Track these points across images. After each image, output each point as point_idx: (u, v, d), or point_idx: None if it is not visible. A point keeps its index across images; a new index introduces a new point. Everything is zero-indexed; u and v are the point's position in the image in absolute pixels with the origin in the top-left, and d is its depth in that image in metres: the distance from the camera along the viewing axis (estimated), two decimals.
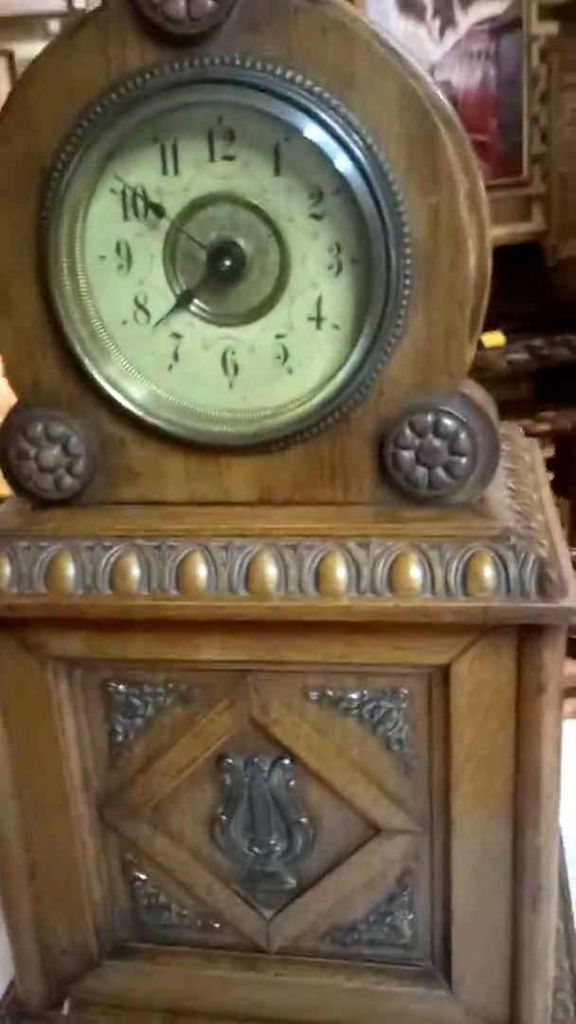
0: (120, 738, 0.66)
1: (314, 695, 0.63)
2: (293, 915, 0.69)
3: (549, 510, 0.65)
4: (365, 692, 0.62)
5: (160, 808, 0.68)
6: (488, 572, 0.56)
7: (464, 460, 0.58)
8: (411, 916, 0.68)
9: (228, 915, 0.70)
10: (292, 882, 0.68)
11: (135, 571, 0.59)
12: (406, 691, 0.62)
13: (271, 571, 0.58)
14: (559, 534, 0.62)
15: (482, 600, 0.55)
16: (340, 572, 0.57)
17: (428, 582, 0.56)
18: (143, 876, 0.71)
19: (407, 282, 0.55)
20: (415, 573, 0.57)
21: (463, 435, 0.58)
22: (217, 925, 0.71)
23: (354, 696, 0.62)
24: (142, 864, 0.70)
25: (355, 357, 0.57)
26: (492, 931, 0.65)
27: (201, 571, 0.58)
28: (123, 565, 0.59)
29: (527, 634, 0.57)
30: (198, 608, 0.58)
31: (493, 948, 0.66)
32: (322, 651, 0.61)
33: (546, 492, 0.70)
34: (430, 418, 0.58)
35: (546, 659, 0.57)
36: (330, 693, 0.63)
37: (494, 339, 2.44)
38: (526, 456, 0.74)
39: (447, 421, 0.58)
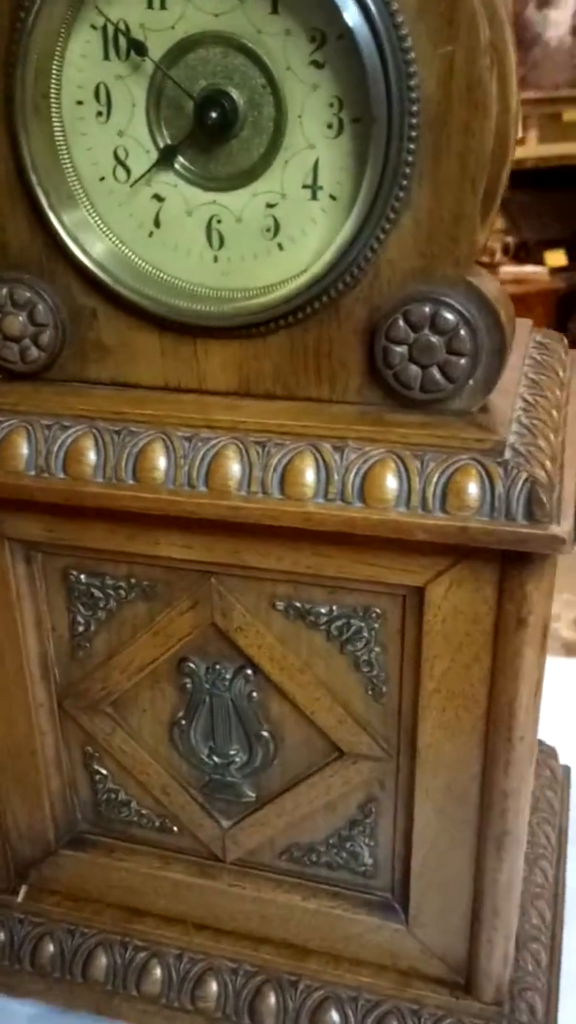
0: (81, 629, 0.63)
1: (280, 605, 0.58)
2: (250, 828, 0.66)
3: (571, 432, 0.58)
4: (335, 608, 0.57)
5: (120, 704, 0.65)
6: (472, 488, 0.49)
7: (463, 361, 0.51)
8: (372, 844, 0.65)
9: (185, 820, 0.68)
10: (251, 795, 0.65)
11: (91, 456, 0.55)
12: (378, 611, 0.57)
13: (234, 468, 0.53)
14: (572, 463, 0.55)
15: (461, 519, 0.49)
16: (308, 475, 0.52)
17: (404, 494, 0.50)
18: (103, 771, 0.68)
19: (411, 146, 0.48)
20: (391, 483, 0.51)
21: (463, 332, 0.51)
22: (175, 828, 0.69)
23: (323, 611, 0.58)
24: (102, 758, 0.68)
25: (347, 230, 0.50)
26: (454, 872, 0.61)
27: (160, 462, 0.54)
28: (79, 448, 0.55)
29: (511, 563, 0.51)
30: (153, 501, 0.53)
31: (454, 889, 0.62)
32: (289, 560, 0.56)
33: (572, 413, 0.62)
34: (428, 309, 0.51)
35: (529, 591, 0.51)
36: (298, 605, 0.58)
37: (556, 258, 2.28)
38: (560, 370, 0.66)
39: (447, 314, 0.50)
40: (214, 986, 0.69)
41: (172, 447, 0.54)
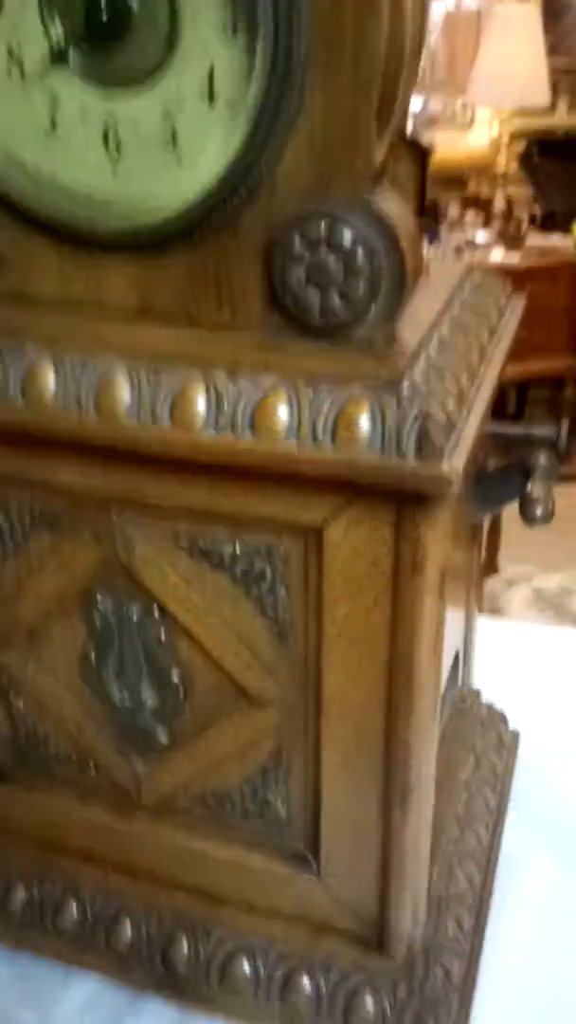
0: None
1: (184, 543, 0.56)
2: (164, 772, 0.65)
3: (485, 385, 0.54)
4: (238, 548, 0.55)
5: (32, 637, 0.64)
6: (364, 422, 0.46)
7: (361, 284, 0.48)
8: (285, 794, 0.63)
9: (101, 759, 0.67)
10: (164, 739, 0.64)
11: None
12: (282, 552, 0.54)
13: (124, 393, 0.50)
14: (482, 408, 0.51)
15: (349, 453, 0.46)
16: (199, 404, 0.49)
17: (295, 426, 0.47)
18: (20, 704, 0.67)
19: (301, 48, 0.44)
20: (282, 414, 0.48)
21: (360, 251, 0.47)
22: (92, 767, 0.68)
23: (227, 551, 0.55)
24: (18, 691, 0.67)
25: (238, 138, 0.47)
26: (362, 826, 0.59)
27: (50, 382, 0.51)
28: None
29: (406, 504, 0.48)
30: (38, 424, 0.51)
31: (362, 843, 0.60)
32: (186, 495, 0.53)
33: (497, 358, 0.59)
34: (323, 226, 0.47)
35: (422, 534, 0.48)
36: (201, 544, 0.55)
37: None
38: (493, 314, 0.62)
39: (344, 231, 0.47)
40: (128, 929, 0.68)
41: (64, 368, 0.51)
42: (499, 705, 0.92)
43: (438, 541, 0.49)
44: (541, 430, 0.67)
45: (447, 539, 0.49)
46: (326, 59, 0.44)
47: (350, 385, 0.47)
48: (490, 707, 0.92)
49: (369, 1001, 0.62)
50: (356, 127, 0.45)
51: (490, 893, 0.74)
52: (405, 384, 0.47)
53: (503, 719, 0.91)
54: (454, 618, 0.75)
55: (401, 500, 0.48)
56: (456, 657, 0.81)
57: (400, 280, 0.48)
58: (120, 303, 0.54)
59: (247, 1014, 0.64)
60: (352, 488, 0.49)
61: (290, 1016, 0.63)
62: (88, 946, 0.68)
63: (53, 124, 0.52)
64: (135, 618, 0.60)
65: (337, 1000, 0.63)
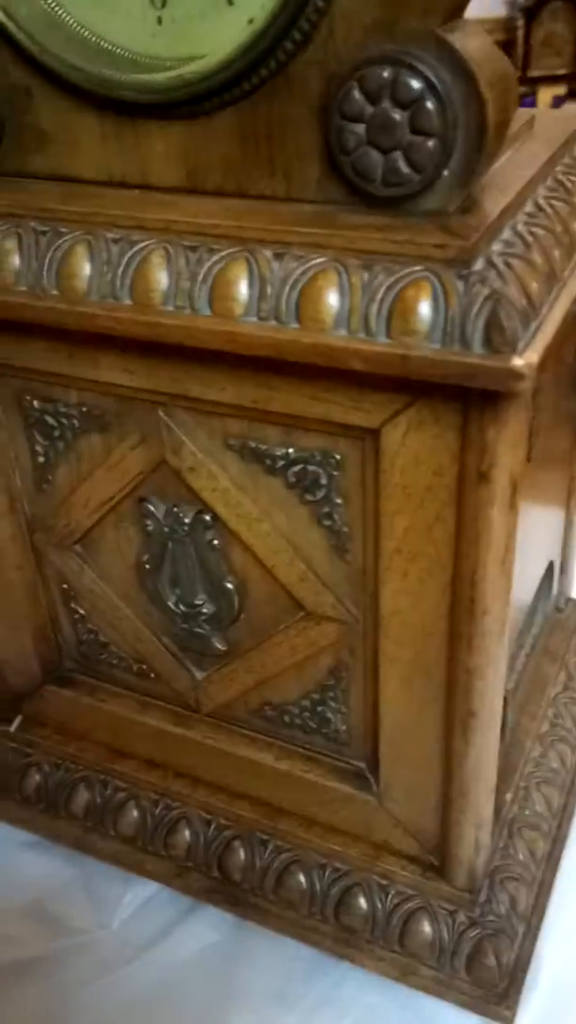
0: (41, 460, 0.59)
1: (235, 444, 0.51)
2: (222, 681, 0.62)
3: None
4: (291, 451, 0.50)
5: (88, 544, 0.61)
6: (424, 308, 0.40)
7: (431, 143, 0.41)
8: (344, 712, 0.59)
9: (159, 667, 0.64)
10: (221, 647, 0.61)
11: (15, 260, 0.48)
12: (337, 457, 0.49)
13: (161, 277, 0.45)
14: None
15: (405, 346, 0.40)
16: (242, 288, 0.43)
17: (345, 314, 0.41)
18: (80, 610, 0.65)
19: None
20: (331, 300, 0.42)
21: (430, 103, 0.40)
22: (152, 675, 0.66)
23: (279, 453, 0.50)
24: (78, 598, 0.65)
25: None
26: (422, 749, 0.55)
27: (85, 269, 0.46)
28: (1, 251, 0.48)
29: (473, 404, 0.42)
30: (70, 315, 0.47)
31: (423, 767, 0.56)
32: (233, 391, 0.48)
33: None
34: (387, 74, 0.40)
35: (489, 440, 0.42)
36: (252, 445, 0.51)
37: None
38: None
39: (410, 80, 0.40)
40: (187, 834, 0.67)
41: (101, 251, 0.46)
42: None
43: (511, 447, 0.42)
44: None
45: (520, 445, 0.43)
46: None
47: (412, 265, 0.41)
48: None
49: (426, 925, 0.60)
50: None
51: (570, 820, 0.70)
52: (478, 261, 0.40)
53: None
54: (547, 524, 0.69)
55: (468, 400, 0.42)
56: (550, 567, 0.75)
57: (480, 136, 0.40)
58: (166, 178, 0.48)
59: (300, 928, 0.63)
60: (413, 387, 0.43)
61: (344, 935, 0.62)
62: (147, 851, 0.67)
63: None
64: (187, 524, 0.56)
65: (393, 921, 0.60)
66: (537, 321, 0.41)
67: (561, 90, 2.95)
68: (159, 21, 0.46)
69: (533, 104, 2.87)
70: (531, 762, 0.70)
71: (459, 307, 0.39)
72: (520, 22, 2.89)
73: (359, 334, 0.41)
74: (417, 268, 0.40)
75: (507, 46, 2.99)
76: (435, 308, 0.40)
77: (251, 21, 0.42)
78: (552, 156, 0.51)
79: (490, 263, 0.41)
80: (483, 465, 0.43)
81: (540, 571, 0.71)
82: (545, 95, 2.94)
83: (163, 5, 0.45)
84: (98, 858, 0.69)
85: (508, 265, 0.41)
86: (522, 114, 0.56)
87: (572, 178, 0.51)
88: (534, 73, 2.95)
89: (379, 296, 0.41)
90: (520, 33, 2.91)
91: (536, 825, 0.66)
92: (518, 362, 0.38)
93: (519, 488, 0.44)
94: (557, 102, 2.92)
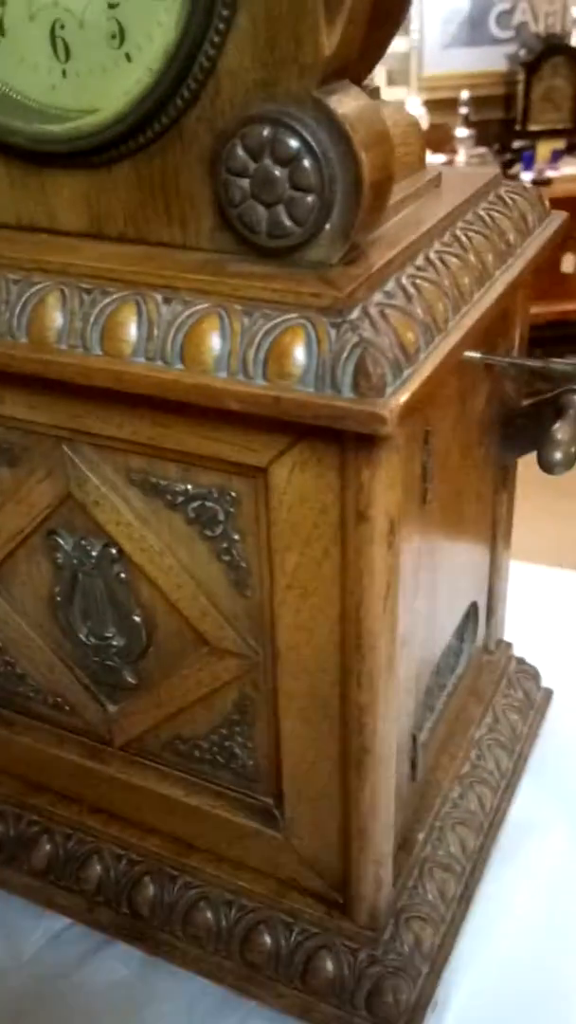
0: None
1: (137, 479, 0.53)
2: (134, 714, 0.63)
3: (475, 312, 0.48)
4: (190, 487, 0.51)
5: (1, 576, 0.62)
6: (298, 353, 0.42)
7: (310, 199, 0.43)
8: (251, 747, 0.60)
9: (73, 700, 0.65)
10: (132, 681, 0.61)
11: None
12: (233, 494, 0.50)
13: (56, 317, 0.47)
14: (460, 339, 0.45)
15: (278, 388, 0.42)
16: (131, 329, 0.45)
17: (226, 356, 0.43)
18: None
19: None
20: (213, 343, 0.43)
21: (307, 162, 0.42)
22: (67, 708, 0.66)
23: (179, 489, 0.52)
24: None
25: (174, 28, 0.42)
26: (323, 786, 0.56)
27: None
28: None
29: (350, 447, 0.43)
30: None
31: (324, 804, 0.57)
32: (130, 428, 0.50)
33: (504, 282, 0.52)
34: (267, 132, 0.42)
35: (365, 480, 0.43)
36: (153, 480, 0.52)
37: None
38: (510, 233, 0.56)
39: (288, 139, 0.42)
40: (98, 869, 0.67)
41: None
42: (535, 660, 0.87)
43: (387, 488, 0.44)
44: (561, 364, 0.60)
45: (397, 486, 0.44)
46: None
47: (290, 312, 0.42)
48: (521, 662, 0.87)
49: (328, 963, 0.60)
50: (302, 13, 0.40)
51: (485, 861, 0.70)
52: (354, 311, 0.42)
53: (535, 676, 0.86)
54: (467, 565, 0.70)
55: (344, 442, 0.43)
56: (474, 608, 0.76)
57: (357, 193, 0.42)
58: (71, 223, 0.50)
59: (206, 965, 0.63)
60: (296, 428, 0.44)
61: (248, 972, 0.62)
62: (58, 885, 0.67)
63: (1, 29, 0.48)
64: (95, 557, 0.57)
65: (296, 959, 0.61)
66: (410, 369, 0.42)
67: (560, 144, 3.04)
68: (63, 74, 0.48)
69: (532, 158, 2.93)
70: (449, 802, 0.71)
71: (330, 353, 0.41)
72: (521, 76, 2.99)
73: (238, 376, 0.43)
74: (293, 315, 0.42)
75: (507, 100, 3.09)
76: (309, 353, 0.41)
77: (143, 78, 0.44)
78: (452, 212, 0.54)
79: (365, 313, 0.42)
80: (360, 505, 0.44)
81: (459, 611, 0.72)
82: (544, 149, 3.02)
83: (67, 59, 0.48)
84: (9, 892, 0.69)
85: (383, 315, 0.43)
86: (431, 170, 0.58)
87: (470, 234, 0.53)
88: (533, 127, 3.04)
89: (257, 340, 0.42)
90: (521, 87, 3.00)
91: (448, 866, 0.66)
92: (382, 408, 0.40)
93: (398, 528, 0.46)
94: (555, 156, 2.99)
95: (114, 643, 0.60)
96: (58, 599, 0.60)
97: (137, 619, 0.58)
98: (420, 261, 0.48)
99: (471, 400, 0.60)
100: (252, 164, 0.43)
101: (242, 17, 0.41)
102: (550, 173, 2.91)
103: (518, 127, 3.06)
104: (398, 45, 3.01)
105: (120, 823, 0.67)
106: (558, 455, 0.55)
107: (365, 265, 0.45)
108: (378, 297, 0.44)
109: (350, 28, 0.41)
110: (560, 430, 0.56)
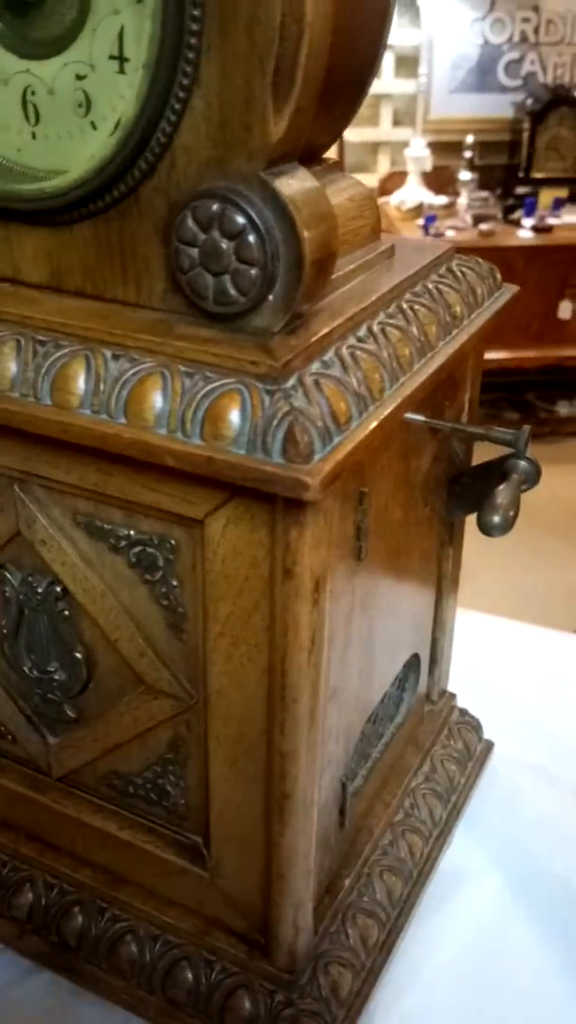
0: None
1: (82, 522, 0.54)
2: (72, 747, 0.64)
3: (413, 382, 0.50)
4: (132, 532, 0.53)
5: None
6: (234, 416, 0.44)
7: (254, 272, 0.45)
8: (183, 786, 0.61)
9: (15, 730, 0.66)
10: (72, 715, 0.63)
11: None
12: (173, 542, 0.52)
13: (11, 366, 0.49)
14: (396, 407, 0.48)
15: (212, 449, 0.44)
16: (80, 382, 0.47)
17: (166, 414, 0.45)
18: None
19: (196, 13, 0.41)
20: (156, 401, 0.46)
21: (252, 237, 0.44)
22: (9, 737, 0.68)
23: (122, 533, 0.54)
24: None
25: (133, 106, 0.44)
26: (247, 829, 0.58)
27: None
28: None
29: (279, 507, 0.46)
30: None
31: (248, 846, 0.58)
32: (76, 474, 0.52)
33: (446, 353, 0.55)
34: (216, 207, 0.45)
35: (292, 539, 0.46)
36: (98, 524, 0.54)
37: None
38: (456, 306, 0.59)
39: (235, 215, 0.44)
40: (30, 896, 0.68)
41: None
42: (479, 711, 0.88)
43: (313, 548, 0.46)
44: (500, 432, 0.63)
45: (324, 546, 0.47)
46: (221, 27, 0.41)
47: (229, 377, 0.45)
48: (463, 712, 0.89)
49: (246, 1002, 0.61)
50: (252, 101, 0.42)
51: (411, 909, 0.72)
52: (289, 379, 0.44)
53: (476, 727, 0.88)
54: (408, 617, 0.72)
55: (275, 502, 0.45)
56: (416, 659, 0.78)
57: (298, 269, 0.45)
58: (34, 276, 0.52)
59: (129, 998, 0.64)
60: (230, 485, 0.46)
61: (169, 1007, 0.63)
62: None
63: None
64: (40, 593, 0.59)
65: (216, 997, 0.62)
66: (340, 437, 0.45)
67: (563, 192, 3.09)
68: (33, 136, 0.51)
69: (534, 205, 2.98)
70: (379, 849, 0.72)
71: (263, 419, 0.43)
72: (527, 124, 3.05)
73: (176, 434, 0.45)
74: (231, 380, 0.45)
75: (512, 146, 3.15)
76: (243, 417, 0.44)
77: (106, 146, 0.47)
78: (400, 283, 0.56)
79: (300, 382, 0.45)
80: (287, 562, 0.46)
81: (399, 662, 0.74)
82: (546, 197, 3.06)
83: (37, 122, 0.50)
84: None
85: (317, 385, 0.45)
86: (385, 240, 0.61)
87: (416, 306, 0.55)
88: (537, 174, 3.10)
89: (196, 401, 0.45)
90: (526, 135, 3.06)
91: (372, 912, 0.68)
92: (306, 474, 0.42)
93: (324, 586, 0.48)
94: (557, 204, 3.04)
95: (56, 677, 0.62)
96: (4, 631, 0.62)
97: (78, 655, 0.60)
98: (362, 332, 0.51)
99: (415, 460, 0.63)
100: (201, 235, 0.45)
101: (197, 99, 0.44)
102: (551, 220, 2.97)
103: (521, 174, 3.12)
104: (405, 87, 3.08)
105: (54, 853, 0.68)
106: (496, 518, 0.58)
107: (306, 335, 0.47)
108: (315, 367, 0.46)
109: (298, 116, 0.44)
110: (500, 494, 0.58)
